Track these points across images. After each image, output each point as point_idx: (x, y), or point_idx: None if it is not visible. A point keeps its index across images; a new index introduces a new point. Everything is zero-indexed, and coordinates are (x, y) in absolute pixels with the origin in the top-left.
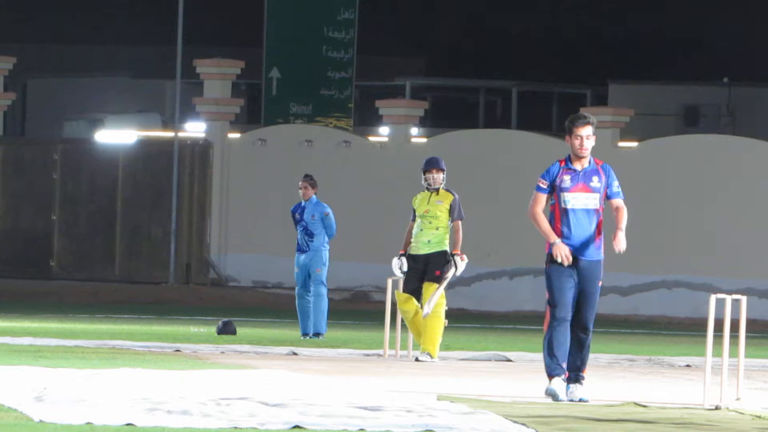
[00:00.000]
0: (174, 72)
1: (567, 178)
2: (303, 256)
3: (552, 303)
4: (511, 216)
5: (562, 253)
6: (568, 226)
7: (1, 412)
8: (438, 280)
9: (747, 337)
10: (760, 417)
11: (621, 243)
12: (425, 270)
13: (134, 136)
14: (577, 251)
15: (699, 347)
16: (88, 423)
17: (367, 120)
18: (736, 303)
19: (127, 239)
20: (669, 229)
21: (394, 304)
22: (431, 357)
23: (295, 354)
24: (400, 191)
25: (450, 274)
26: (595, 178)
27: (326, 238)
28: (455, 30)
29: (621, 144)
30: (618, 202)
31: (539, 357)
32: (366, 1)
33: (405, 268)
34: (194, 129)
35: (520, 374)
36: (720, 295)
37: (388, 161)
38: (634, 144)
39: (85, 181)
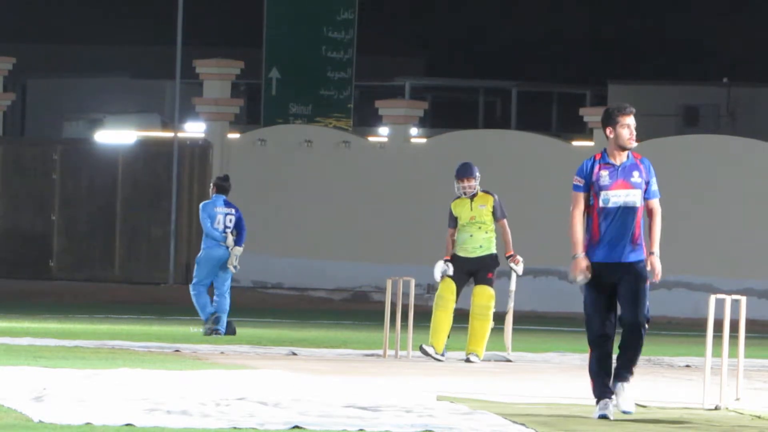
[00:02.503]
0: (174, 72)
1: (605, 174)
2: None
3: (586, 324)
4: (510, 216)
5: (579, 269)
6: (608, 227)
7: (1, 412)
8: (490, 282)
9: (746, 338)
10: (759, 417)
11: (657, 268)
12: (475, 273)
13: (134, 136)
14: (616, 254)
15: (699, 347)
16: (87, 423)
17: (367, 120)
18: (735, 303)
19: (127, 239)
20: (668, 229)
21: (393, 304)
22: (479, 357)
23: (294, 354)
24: (400, 192)
25: (514, 286)
26: (635, 173)
27: (207, 236)
28: (455, 30)
29: None
30: (654, 203)
31: (539, 357)
32: (366, 1)
33: (451, 272)
34: (194, 129)
35: (520, 374)
36: (719, 296)
37: (388, 161)
38: (634, 144)
39: (85, 182)
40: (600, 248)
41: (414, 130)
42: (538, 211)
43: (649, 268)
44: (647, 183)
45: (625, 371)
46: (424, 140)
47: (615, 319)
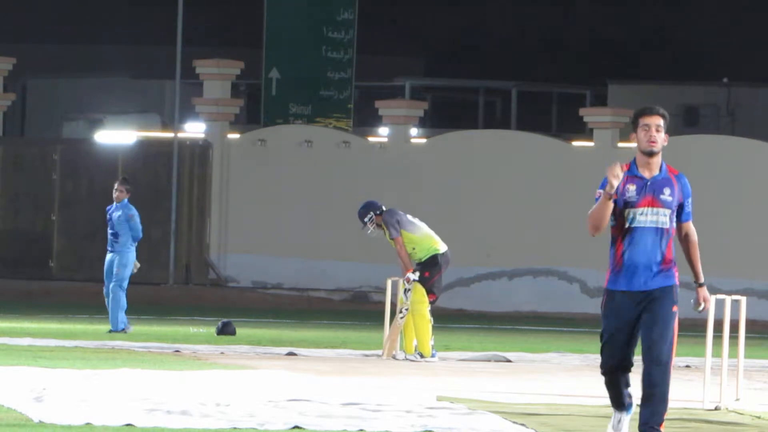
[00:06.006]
0: (174, 72)
1: (632, 188)
2: (109, 256)
3: (602, 357)
4: (511, 216)
5: (614, 173)
6: (632, 249)
7: (1, 412)
8: (424, 282)
9: (746, 338)
10: (759, 417)
11: (707, 301)
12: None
13: (134, 136)
14: (641, 281)
15: (699, 347)
16: (87, 423)
17: (367, 120)
18: (735, 303)
19: None
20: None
21: (393, 305)
22: (403, 353)
23: (294, 354)
24: (400, 192)
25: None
26: (666, 190)
27: (131, 240)
28: (455, 30)
29: (621, 144)
30: (689, 227)
31: (539, 357)
32: (366, 1)
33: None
34: (194, 129)
35: (520, 374)
36: (720, 296)
37: (388, 162)
38: (634, 144)
39: (85, 182)
40: (623, 274)
41: (414, 130)
42: (538, 211)
43: (700, 301)
44: (681, 204)
45: (651, 424)
46: (424, 140)
47: (632, 353)
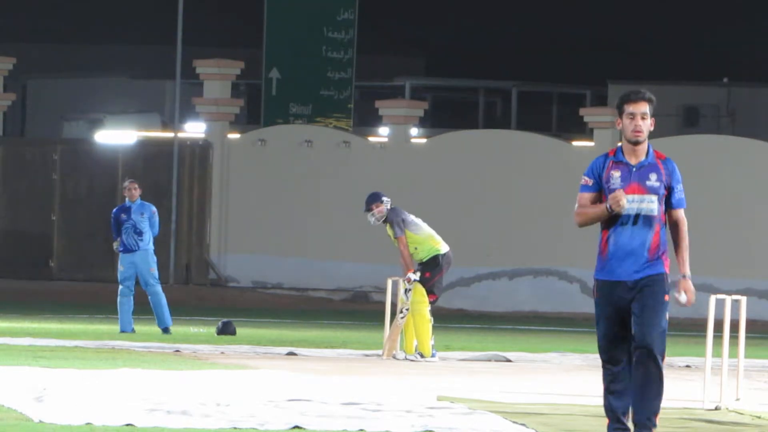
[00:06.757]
0: (174, 72)
1: (616, 174)
2: (131, 256)
3: (598, 343)
4: (511, 216)
5: (617, 198)
6: (618, 238)
7: (1, 412)
8: (425, 282)
9: (746, 338)
10: (759, 417)
11: (690, 293)
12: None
13: (134, 136)
14: (629, 271)
15: (699, 347)
16: (87, 423)
17: (367, 120)
18: (735, 303)
19: None
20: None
21: (394, 305)
22: (404, 353)
23: (294, 354)
24: (400, 192)
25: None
26: (652, 176)
27: (152, 237)
28: (455, 30)
29: (621, 144)
30: (679, 214)
31: (539, 357)
32: (366, 1)
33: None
34: (194, 129)
35: (520, 374)
36: (720, 296)
37: (388, 161)
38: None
39: (85, 182)
40: (609, 263)
41: (414, 130)
42: (538, 211)
43: (682, 295)
44: (669, 188)
45: (644, 419)
46: (424, 140)
47: (627, 345)
